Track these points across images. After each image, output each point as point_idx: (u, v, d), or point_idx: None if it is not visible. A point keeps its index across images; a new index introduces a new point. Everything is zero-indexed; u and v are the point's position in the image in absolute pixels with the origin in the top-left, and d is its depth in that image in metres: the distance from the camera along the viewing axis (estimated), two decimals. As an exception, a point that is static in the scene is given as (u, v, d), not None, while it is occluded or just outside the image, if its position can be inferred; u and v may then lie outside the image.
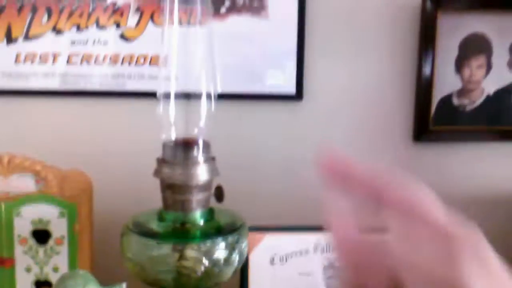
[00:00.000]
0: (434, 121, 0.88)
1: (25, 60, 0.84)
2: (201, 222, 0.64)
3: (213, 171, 0.64)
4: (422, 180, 0.83)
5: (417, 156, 0.91)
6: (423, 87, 0.87)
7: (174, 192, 0.62)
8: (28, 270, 0.72)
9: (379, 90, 0.89)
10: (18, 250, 0.71)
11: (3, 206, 0.70)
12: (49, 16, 0.83)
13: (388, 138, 0.90)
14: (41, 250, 0.71)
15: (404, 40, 0.88)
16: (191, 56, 0.69)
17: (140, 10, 0.84)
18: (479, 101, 0.88)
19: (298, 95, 0.86)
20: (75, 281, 0.52)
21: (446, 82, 0.87)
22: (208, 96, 0.66)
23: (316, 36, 0.86)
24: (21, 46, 0.84)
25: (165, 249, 0.60)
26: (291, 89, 0.86)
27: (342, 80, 0.88)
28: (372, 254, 0.25)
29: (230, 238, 0.63)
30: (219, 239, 0.62)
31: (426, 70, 0.86)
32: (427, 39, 0.85)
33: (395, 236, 0.24)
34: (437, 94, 0.87)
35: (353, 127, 0.89)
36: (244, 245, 0.65)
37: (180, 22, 0.68)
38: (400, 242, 0.24)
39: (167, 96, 0.66)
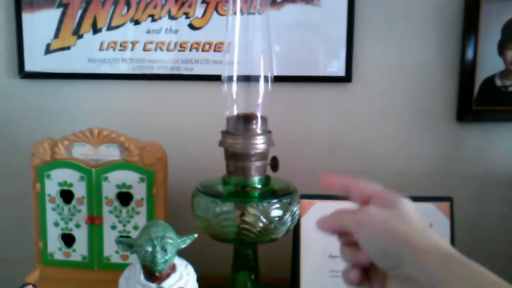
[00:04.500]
0: (477, 102, 0.93)
1: (107, 48, 0.97)
2: (259, 186, 0.74)
3: (269, 142, 0.74)
4: (464, 158, 0.90)
5: (461, 135, 0.96)
6: (467, 69, 0.92)
7: (236, 159, 0.73)
8: (113, 227, 0.83)
9: (424, 73, 0.95)
10: (105, 210, 0.83)
11: (93, 172, 0.83)
12: (128, 8, 0.95)
13: (433, 118, 0.96)
14: (124, 210, 0.83)
15: (448, 25, 0.93)
16: (250, 42, 0.78)
17: (206, 2, 0.94)
18: (521, 82, 0.92)
19: (348, 77, 0.94)
20: (157, 228, 0.63)
21: (488, 64, 0.92)
22: (266, 78, 0.75)
23: (364, 22, 0.93)
24: (105, 35, 0.96)
25: (228, 206, 0.71)
26: (341, 71, 0.94)
27: (389, 64, 0.95)
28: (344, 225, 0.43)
29: (284, 200, 0.72)
30: (274, 200, 0.72)
31: (469, 53, 0.91)
32: (470, 24, 0.90)
33: (359, 210, 0.43)
34: (480, 76, 0.92)
35: (398, 107, 0.96)
36: (295, 208, 0.75)
37: (241, 11, 0.77)
38: (361, 212, 0.42)
39: (230, 78, 0.76)
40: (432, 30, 0.93)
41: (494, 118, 0.95)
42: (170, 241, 0.63)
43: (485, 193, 0.98)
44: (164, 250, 0.62)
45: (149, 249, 0.62)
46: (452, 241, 0.80)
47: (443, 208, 0.81)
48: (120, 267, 0.72)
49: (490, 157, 0.97)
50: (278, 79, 0.78)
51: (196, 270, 0.68)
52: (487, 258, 0.97)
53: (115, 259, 0.84)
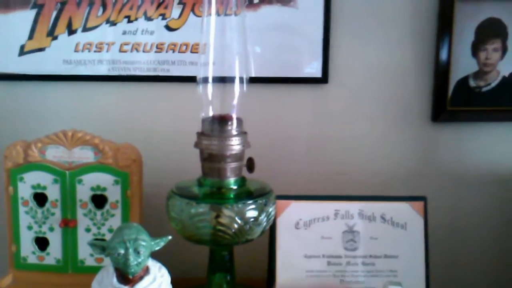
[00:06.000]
0: (451, 102, 0.94)
1: (83, 49, 0.96)
2: (235, 187, 0.74)
3: (245, 143, 0.74)
4: (439, 158, 0.91)
5: (435, 135, 0.97)
6: (441, 70, 0.93)
7: (211, 161, 0.72)
8: (88, 230, 0.82)
9: (399, 74, 0.95)
10: (80, 212, 0.82)
11: (67, 174, 0.81)
12: (104, 9, 0.94)
13: (408, 119, 0.97)
14: (98, 213, 0.82)
15: (423, 26, 0.94)
16: (226, 43, 0.78)
17: (182, 2, 0.93)
18: (494, 82, 0.94)
19: (324, 78, 0.94)
20: (130, 230, 0.62)
21: (462, 65, 0.93)
22: (241, 79, 0.75)
23: (341, 24, 0.94)
24: (80, 37, 0.95)
25: (203, 208, 0.70)
26: (317, 73, 0.94)
27: (365, 65, 0.95)
28: None
29: (259, 201, 0.72)
30: (250, 201, 0.71)
31: (443, 53, 0.92)
32: (444, 26, 0.91)
33: None
34: (454, 76, 0.93)
35: (374, 108, 0.97)
36: (271, 209, 0.75)
37: (218, 13, 0.77)
38: None
39: (205, 79, 0.76)
40: (407, 32, 0.94)
41: (468, 118, 0.96)
42: (143, 243, 0.62)
43: (459, 192, 0.99)
44: (137, 252, 0.62)
45: (122, 251, 0.61)
46: (426, 240, 0.81)
47: (417, 207, 0.82)
48: (95, 270, 0.70)
49: (464, 156, 0.98)
50: (255, 80, 0.78)
51: (171, 273, 0.67)
52: (462, 257, 0.99)
53: (90, 262, 0.83)
